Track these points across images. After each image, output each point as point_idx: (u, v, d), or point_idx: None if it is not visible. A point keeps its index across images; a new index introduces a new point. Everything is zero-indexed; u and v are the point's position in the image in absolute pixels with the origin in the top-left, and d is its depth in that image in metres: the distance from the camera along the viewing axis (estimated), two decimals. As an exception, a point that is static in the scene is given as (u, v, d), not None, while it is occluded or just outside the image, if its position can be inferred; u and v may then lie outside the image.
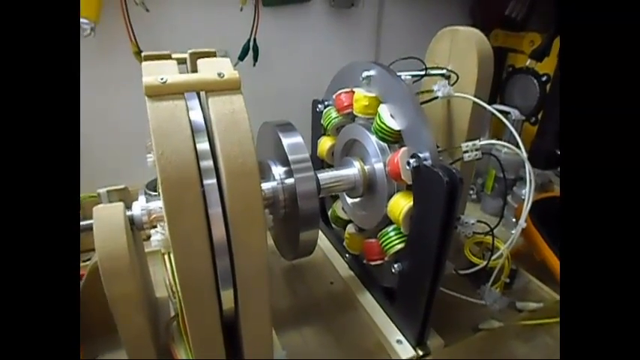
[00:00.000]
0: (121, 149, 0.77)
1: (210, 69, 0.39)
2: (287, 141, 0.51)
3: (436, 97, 0.52)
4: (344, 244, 0.68)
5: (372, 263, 0.59)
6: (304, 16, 0.82)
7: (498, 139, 0.60)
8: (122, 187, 0.51)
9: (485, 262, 0.57)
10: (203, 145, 0.39)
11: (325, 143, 0.70)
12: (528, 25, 0.92)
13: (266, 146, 0.57)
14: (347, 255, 0.69)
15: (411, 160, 0.46)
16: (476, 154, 0.48)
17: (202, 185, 0.37)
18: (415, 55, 0.61)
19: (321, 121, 0.69)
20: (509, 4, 0.91)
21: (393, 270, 0.53)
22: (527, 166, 0.50)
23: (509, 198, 0.86)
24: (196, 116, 0.42)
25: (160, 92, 0.36)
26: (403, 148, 0.49)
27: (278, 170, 0.54)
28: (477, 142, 0.48)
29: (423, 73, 0.58)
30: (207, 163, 0.38)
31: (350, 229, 0.66)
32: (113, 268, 0.41)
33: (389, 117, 0.51)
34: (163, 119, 0.35)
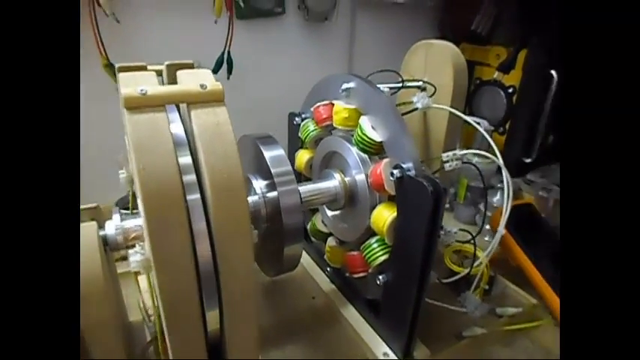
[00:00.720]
0: (90, 165, 0.74)
1: (191, 80, 0.38)
2: (269, 154, 0.50)
3: (416, 109, 0.53)
4: (325, 257, 0.67)
5: (355, 276, 0.59)
6: (278, 30, 0.82)
7: (468, 148, 0.62)
8: (94, 205, 0.48)
9: (467, 270, 0.58)
10: (185, 160, 0.37)
11: (303, 156, 0.69)
12: (493, 39, 0.96)
13: (246, 160, 0.56)
14: (328, 269, 0.68)
15: (395, 171, 0.46)
16: (456, 164, 0.49)
17: (186, 201, 0.35)
18: (388, 68, 0.63)
19: (299, 134, 0.68)
20: (474, 18, 0.95)
21: (378, 282, 0.53)
22: (505, 172, 0.51)
23: (481, 206, 0.88)
24: (177, 129, 0.40)
25: (140, 104, 0.34)
26: (386, 159, 0.49)
27: (259, 184, 0.53)
28: (456, 151, 0.49)
29: (400, 85, 0.59)
30: (190, 178, 0.36)
31: (331, 242, 0.65)
32: (87, 292, 0.38)
33: (370, 128, 0.51)
34: (144, 133, 0.33)
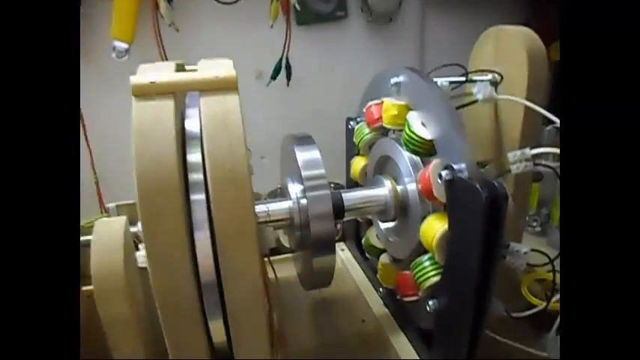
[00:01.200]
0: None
1: (207, 68, 0.36)
2: (302, 155, 0.46)
3: (476, 101, 0.44)
4: (377, 276, 0.60)
5: (407, 299, 0.51)
6: (340, 34, 0.79)
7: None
8: (132, 202, 0.48)
9: (544, 304, 0.46)
10: (195, 156, 0.35)
11: (358, 163, 0.64)
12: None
13: (286, 162, 0.53)
14: (381, 289, 0.61)
15: (444, 173, 0.39)
16: (526, 165, 0.39)
17: (188, 197, 0.33)
18: (462, 64, 0.55)
19: (354, 140, 0.63)
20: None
21: (428, 308, 0.45)
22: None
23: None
24: (195, 124, 0.38)
25: (148, 92, 0.32)
26: (435, 160, 0.41)
27: (295, 188, 0.49)
28: (526, 150, 0.39)
29: (463, 79, 0.51)
30: (197, 176, 0.34)
31: (384, 258, 0.58)
32: (107, 286, 0.38)
33: (419, 125, 0.44)
34: (147, 120, 0.31)
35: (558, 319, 0.47)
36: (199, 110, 0.34)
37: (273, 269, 0.53)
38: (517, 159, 0.40)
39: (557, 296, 0.46)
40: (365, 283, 0.67)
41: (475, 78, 0.50)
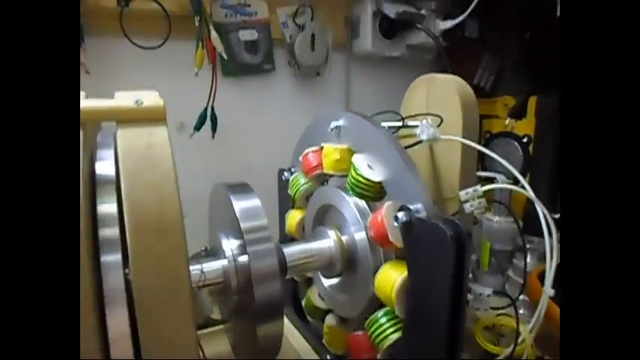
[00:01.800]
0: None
1: (127, 97, 0.30)
2: (239, 204, 0.40)
3: (420, 141, 0.43)
4: (324, 341, 0.53)
5: (362, 364, 0.45)
6: (268, 86, 0.77)
7: (486, 209, 0.50)
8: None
9: (509, 349, 0.43)
10: (106, 206, 0.27)
11: (294, 217, 0.59)
12: (499, 92, 0.90)
13: (217, 215, 0.46)
14: (328, 357, 0.54)
15: (400, 214, 0.36)
16: (479, 203, 0.38)
17: (98, 257, 0.25)
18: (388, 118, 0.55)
19: (289, 191, 0.59)
20: (477, 72, 0.90)
21: (391, 372, 0.39)
22: (546, 216, 0.40)
23: (510, 272, 0.75)
24: (108, 166, 0.31)
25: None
26: (387, 203, 0.39)
27: (230, 244, 0.42)
28: (478, 187, 0.39)
29: (400, 124, 0.50)
30: (110, 231, 0.26)
31: (329, 320, 0.52)
32: None
33: (366, 167, 0.41)
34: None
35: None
36: (115, 145, 0.27)
37: (200, 346, 0.44)
38: (469, 197, 0.38)
39: (520, 339, 0.43)
40: (308, 351, 0.59)
41: (411, 123, 0.50)
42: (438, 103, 0.52)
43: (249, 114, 0.76)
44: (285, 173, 0.60)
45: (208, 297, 0.40)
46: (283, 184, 0.60)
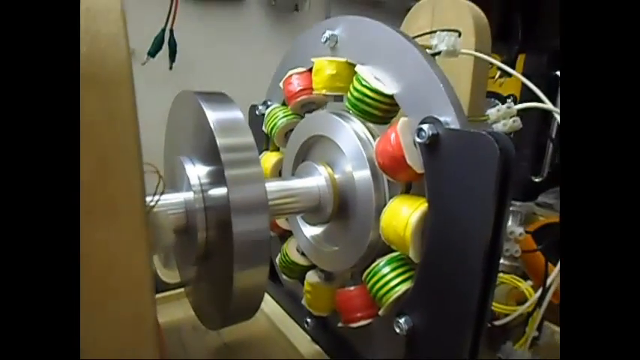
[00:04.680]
0: None
1: None
2: (215, 115, 0.30)
3: (439, 52, 0.36)
4: (303, 302, 0.45)
5: (354, 325, 0.37)
6: (238, 16, 0.66)
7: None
8: None
9: (525, 306, 0.38)
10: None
11: (269, 160, 0.50)
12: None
13: (181, 134, 0.36)
14: (308, 320, 0.46)
15: (425, 127, 0.28)
16: (514, 121, 0.31)
17: None
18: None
19: (263, 128, 0.49)
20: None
21: (398, 329, 0.32)
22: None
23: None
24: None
25: None
26: (402, 119, 0.31)
27: (197, 171, 0.33)
28: (511, 104, 0.32)
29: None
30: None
31: (312, 277, 0.44)
32: None
33: (373, 77, 0.33)
34: None
35: (535, 324, 0.39)
36: None
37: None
38: (501, 115, 0.31)
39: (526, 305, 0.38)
40: (282, 316, 0.51)
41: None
42: (447, 26, 0.44)
43: (214, 46, 0.65)
44: (260, 107, 0.50)
45: (170, 226, 0.30)
46: (256, 122, 0.51)
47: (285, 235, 0.49)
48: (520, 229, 0.32)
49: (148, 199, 0.28)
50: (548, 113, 0.72)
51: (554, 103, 0.72)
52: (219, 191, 0.29)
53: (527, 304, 0.39)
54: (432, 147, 0.28)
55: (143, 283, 0.16)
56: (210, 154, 0.30)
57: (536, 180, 0.78)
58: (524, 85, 0.79)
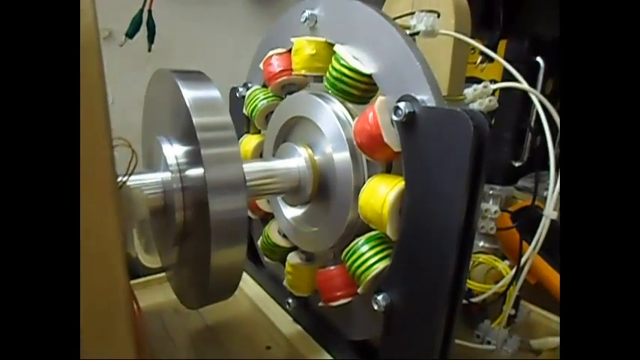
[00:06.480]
0: None
1: None
2: (191, 94, 0.30)
3: (417, 33, 0.36)
4: (285, 284, 0.45)
5: (334, 304, 0.38)
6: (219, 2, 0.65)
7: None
8: None
9: (500, 284, 0.39)
10: None
11: (249, 143, 0.50)
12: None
13: (158, 112, 0.36)
14: (290, 300, 0.46)
15: (401, 105, 0.28)
16: (490, 101, 0.32)
17: None
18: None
19: (244, 111, 0.49)
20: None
21: (376, 306, 0.32)
22: (546, 103, 0.34)
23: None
24: None
25: None
26: (380, 98, 0.31)
27: (174, 151, 0.32)
28: (488, 83, 0.32)
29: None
30: None
31: (293, 258, 0.44)
32: None
33: (351, 57, 0.33)
34: None
35: (509, 302, 0.40)
36: None
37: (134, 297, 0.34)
38: (477, 95, 0.32)
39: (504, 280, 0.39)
40: (264, 298, 0.51)
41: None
42: (427, 7, 0.44)
43: (194, 28, 0.63)
44: (240, 89, 0.50)
45: (140, 197, 0.30)
46: (236, 104, 0.51)
47: (267, 217, 0.49)
48: (495, 207, 0.33)
49: (121, 175, 0.27)
50: (529, 100, 0.74)
51: (534, 88, 0.73)
52: (196, 171, 0.29)
53: (502, 282, 0.40)
54: (408, 125, 0.28)
55: (116, 248, 0.16)
56: (187, 133, 0.30)
57: (516, 164, 0.79)
58: (505, 70, 0.80)
